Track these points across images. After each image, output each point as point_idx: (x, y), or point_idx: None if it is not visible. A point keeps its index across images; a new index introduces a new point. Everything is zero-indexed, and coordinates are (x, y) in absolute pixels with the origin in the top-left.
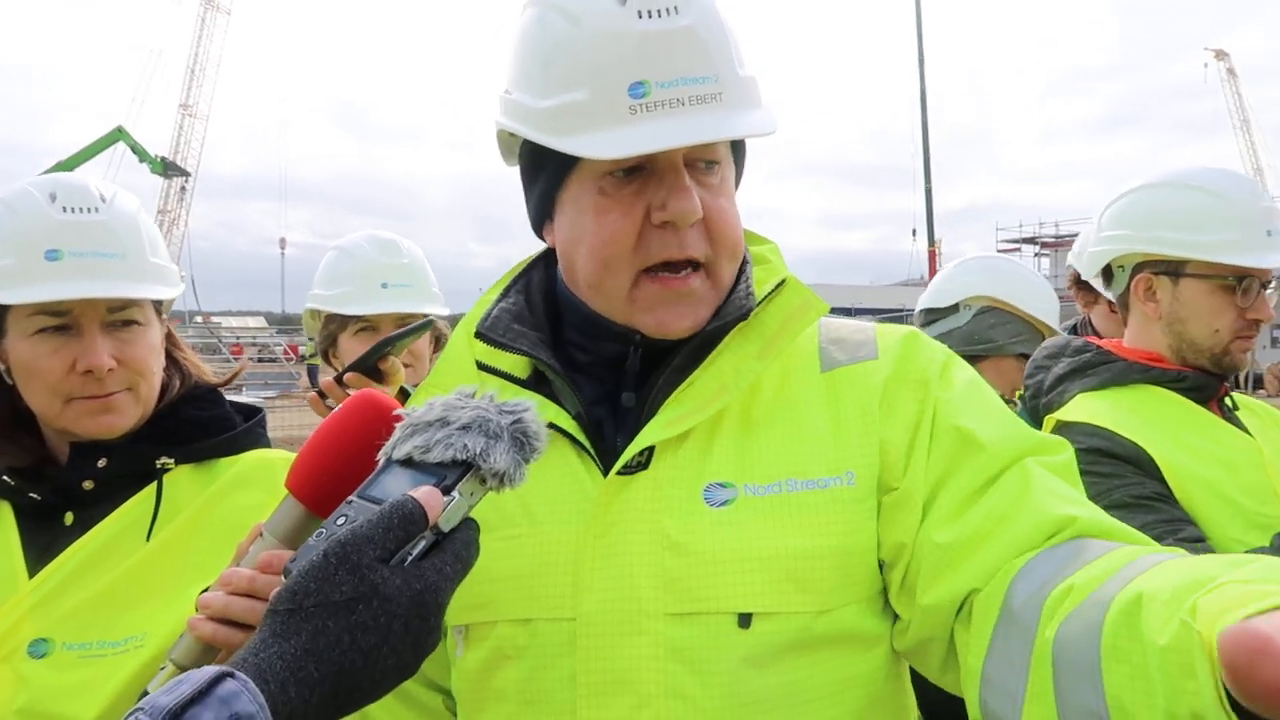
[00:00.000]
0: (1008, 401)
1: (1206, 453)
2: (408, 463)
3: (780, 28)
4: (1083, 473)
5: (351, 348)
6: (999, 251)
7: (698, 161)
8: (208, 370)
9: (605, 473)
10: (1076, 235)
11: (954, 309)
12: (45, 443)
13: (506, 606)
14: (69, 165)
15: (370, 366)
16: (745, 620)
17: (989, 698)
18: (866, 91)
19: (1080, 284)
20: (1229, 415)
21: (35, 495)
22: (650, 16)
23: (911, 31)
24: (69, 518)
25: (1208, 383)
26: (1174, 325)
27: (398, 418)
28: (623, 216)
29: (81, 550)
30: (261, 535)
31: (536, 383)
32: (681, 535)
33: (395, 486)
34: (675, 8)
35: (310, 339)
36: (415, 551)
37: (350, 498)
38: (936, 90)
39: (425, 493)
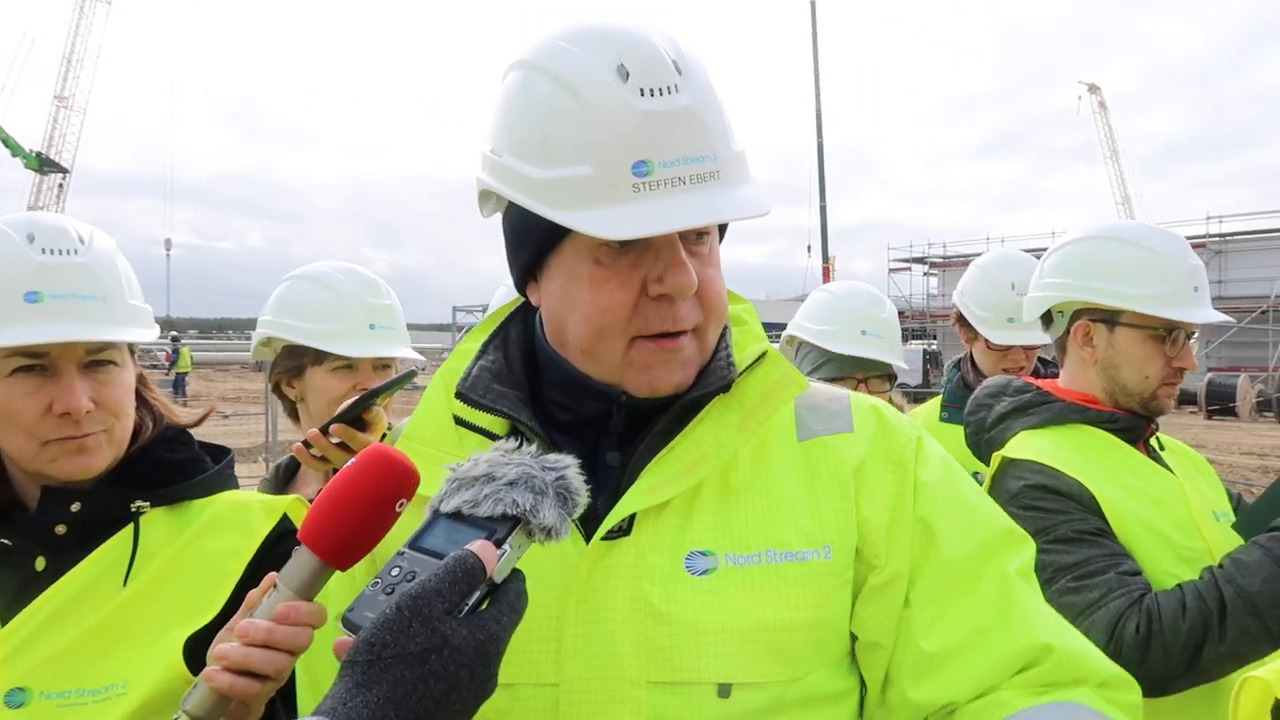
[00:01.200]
0: None
1: (1139, 490)
2: (456, 516)
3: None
4: (1029, 507)
5: (324, 384)
6: (891, 271)
7: (690, 233)
8: (177, 411)
9: (587, 536)
10: (964, 256)
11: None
12: (12, 486)
13: None
14: None
15: (355, 417)
16: (725, 690)
17: None
18: (762, 107)
19: (961, 321)
20: (1155, 455)
21: (5, 540)
22: (652, 95)
23: (807, 50)
24: (40, 563)
25: (1137, 424)
26: (1108, 370)
27: (410, 470)
28: (619, 288)
29: (56, 596)
30: (275, 586)
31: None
32: (664, 604)
33: (448, 539)
34: (675, 86)
35: (258, 363)
36: (472, 602)
37: (402, 549)
38: (830, 110)
39: (481, 546)
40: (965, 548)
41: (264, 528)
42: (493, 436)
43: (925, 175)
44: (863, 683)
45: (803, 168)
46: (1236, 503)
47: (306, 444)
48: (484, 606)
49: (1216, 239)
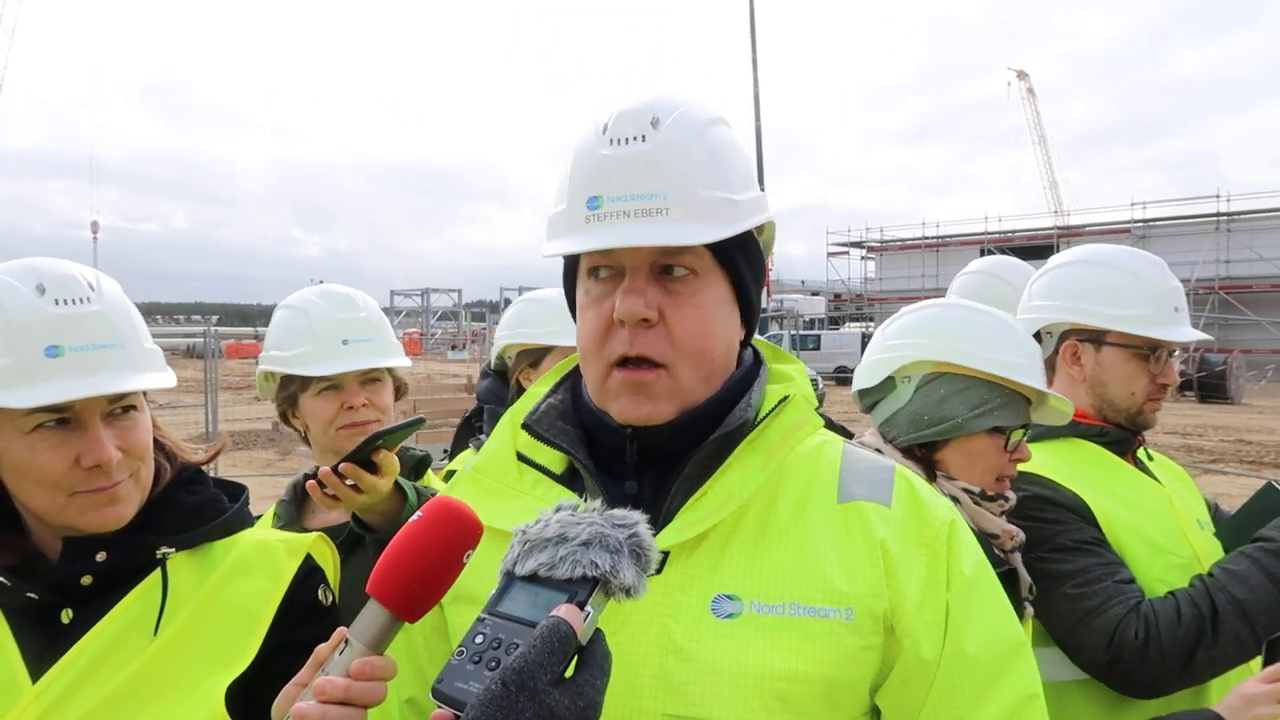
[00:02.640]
0: (991, 498)
1: (1130, 500)
2: (533, 579)
3: (615, 26)
4: (1028, 518)
5: (315, 408)
6: (829, 255)
7: (670, 268)
8: (187, 448)
9: None
10: (901, 240)
11: (889, 384)
12: (30, 538)
13: None
14: None
15: (364, 459)
16: None
17: None
18: (698, 90)
19: None
20: (1143, 467)
21: (33, 595)
22: (617, 144)
23: (739, 32)
24: (67, 615)
25: (1125, 437)
26: (1096, 387)
27: (475, 522)
28: (595, 315)
29: (87, 649)
30: (347, 641)
31: (570, 478)
32: (686, 642)
33: (531, 604)
34: (642, 136)
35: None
36: (563, 668)
37: (482, 615)
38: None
39: (569, 612)
40: (989, 651)
41: (290, 569)
42: (550, 474)
43: (856, 160)
44: None
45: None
46: (1214, 510)
47: (320, 482)
48: (571, 669)
49: (1140, 224)
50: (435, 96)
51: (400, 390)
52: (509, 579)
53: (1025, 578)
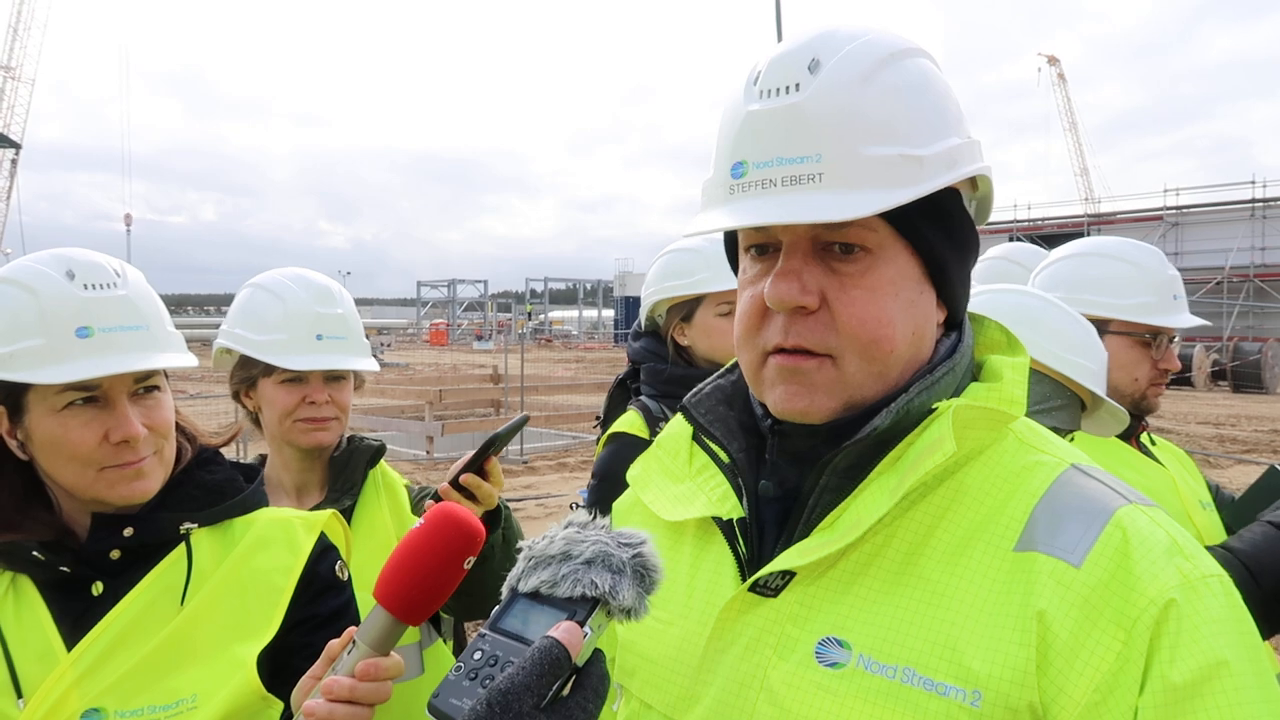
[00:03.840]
0: None
1: (1135, 483)
2: (535, 596)
3: (645, 18)
4: None
5: (274, 395)
6: None
7: (833, 244)
8: (205, 431)
9: (744, 572)
10: None
11: None
12: (60, 515)
13: (640, 685)
14: None
15: (479, 467)
16: None
17: None
18: (723, 79)
19: None
20: (1147, 451)
21: (65, 569)
22: (765, 96)
23: (764, 24)
24: (98, 587)
25: (1129, 423)
26: None
27: (477, 530)
28: (748, 298)
29: (118, 619)
30: (354, 643)
31: (734, 467)
32: (782, 688)
33: (527, 620)
34: (795, 85)
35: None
36: (554, 689)
37: (483, 630)
38: None
39: (566, 631)
40: None
41: (307, 544)
42: (718, 461)
43: None
44: None
45: None
46: (1215, 492)
47: (437, 497)
48: (567, 690)
49: (1174, 211)
50: (457, 85)
51: (359, 385)
52: (512, 595)
53: None
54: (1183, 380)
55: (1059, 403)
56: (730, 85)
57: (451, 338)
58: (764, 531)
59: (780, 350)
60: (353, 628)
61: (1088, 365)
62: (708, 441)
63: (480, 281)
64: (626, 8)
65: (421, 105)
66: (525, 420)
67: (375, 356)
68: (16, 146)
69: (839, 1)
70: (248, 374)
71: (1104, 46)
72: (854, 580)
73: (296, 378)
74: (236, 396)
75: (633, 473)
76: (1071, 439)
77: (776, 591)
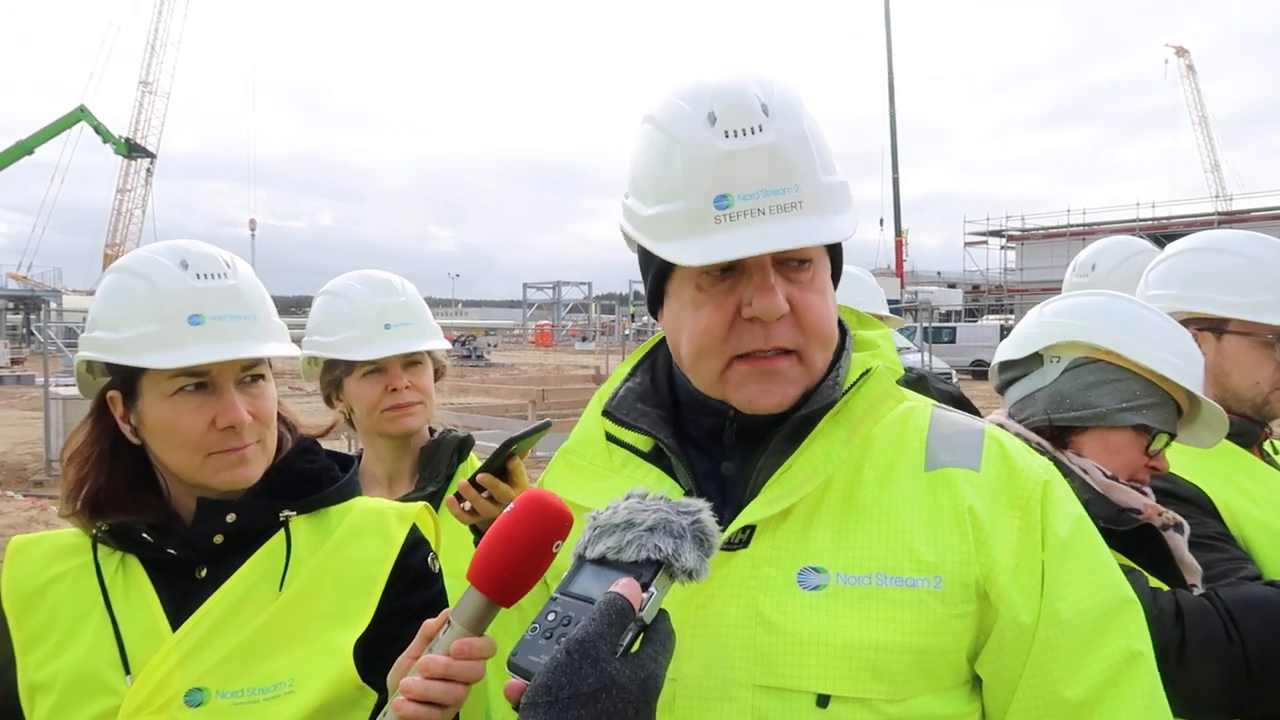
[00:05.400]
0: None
1: (1257, 494)
2: (601, 561)
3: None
4: None
5: (360, 391)
6: (966, 245)
7: (789, 260)
8: (304, 421)
9: None
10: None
11: (1035, 360)
12: (168, 500)
13: None
14: (29, 145)
15: (500, 467)
16: (824, 700)
17: None
18: (820, 79)
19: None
20: (1269, 459)
21: (172, 551)
22: (735, 136)
23: (868, 18)
24: (202, 571)
25: (1250, 429)
26: (1219, 377)
27: (565, 514)
28: (715, 311)
29: (221, 602)
30: (449, 623)
31: (657, 456)
32: (774, 615)
33: (595, 583)
34: (760, 126)
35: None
36: (627, 642)
37: (555, 594)
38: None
39: (626, 584)
40: (1088, 612)
41: (400, 535)
42: (638, 452)
43: (987, 146)
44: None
45: (865, 139)
46: None
47: (458, 496)
48: (637, 646)
49: None
50: (557, 91)
51: (439, 372)
52: (580, 561)
53: (1191, 563)
54: None
55: (1150, 400)
56: (667, 119)
57: (555, 339)
58: (711, 500)
59: (755, 354)
60: (447, 610)
61: (1183, 365)
62: (624, 438)
63: (584, 284)
64: (726, 9)
65: (523, 111)
66: (547, 426)
67: (481, 356)
68: (152, 156)
69: (946, 6)
70: (332, 376)
71: (1231, 36)
72: (809, 522)
73: (376, 369)
74: (329, 401)
75: (553, 478)
76: (1166, 444)
77: (744, 544)
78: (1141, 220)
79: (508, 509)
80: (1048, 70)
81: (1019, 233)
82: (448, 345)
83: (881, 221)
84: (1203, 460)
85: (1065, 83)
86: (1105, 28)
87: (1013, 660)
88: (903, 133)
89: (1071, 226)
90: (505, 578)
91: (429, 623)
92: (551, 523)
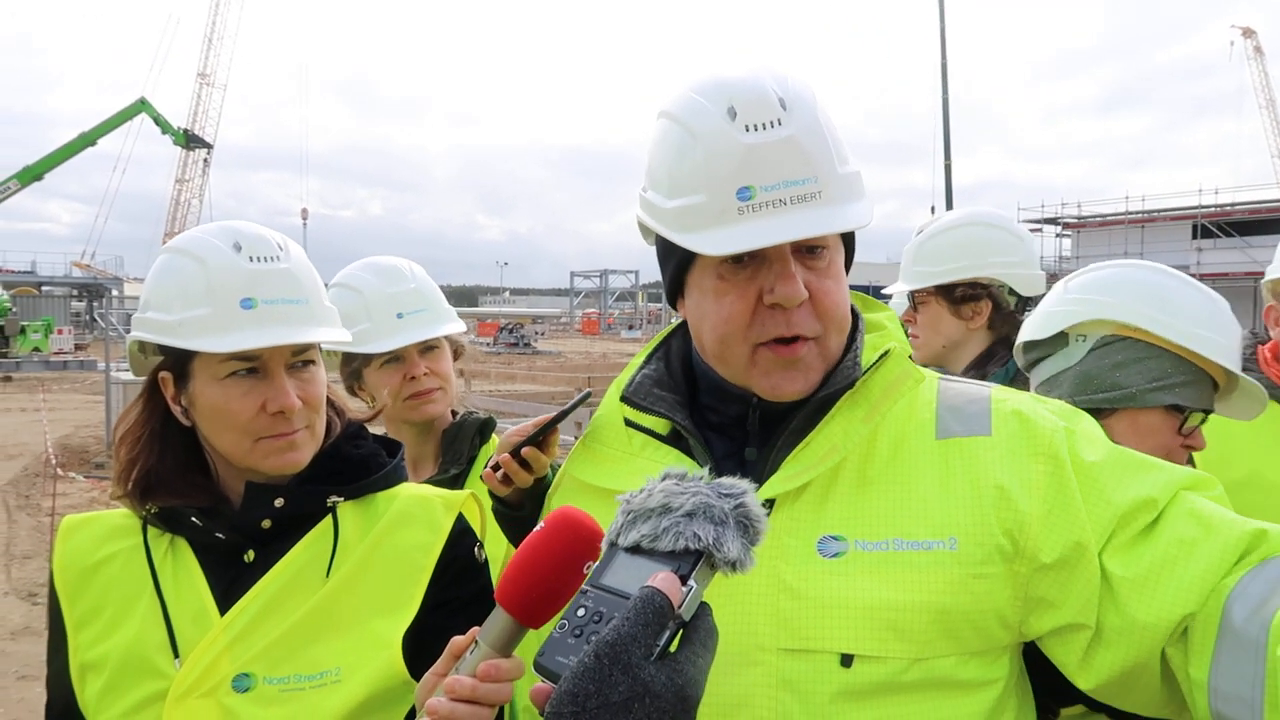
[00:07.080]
0: None
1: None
2: (636, 550)
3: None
4: None
5: (380, 380)
6: None
7: (807, 248)
8: (351, 406)
9: None
10: (1101, 216)
11: (1060, 339)
12: (217, 484)
13: None
14: (92, 137)
15: (543, 439)
16: (847, 660)
17: (1221, 707)
18: (865, 68)
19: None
20: None
21: (220, 535)
22: (756, 130)
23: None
24: (249, 555)
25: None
26: None
27: (595, 533)
28: (738, 299)
29: (268, 588)
30: (477, 643)
31: (675, 439)
32: (796, 581)
33: (629, 575)
34: (779, 120)
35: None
36: (663, 642)
37: (585, 587)
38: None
39: (665, 580)
40: (1142, 493)
41: (447, 524)
42: (657, 436)
43: (1040, 132)
44: (1009, 678)
45: (913, 126)
46: None
47: (496, 466)
48: (675, 645)
49: None
50: (602, 80)
51: (458, 353)
52: (612, 550)
53: None
54: None
55: (1181, 379)
56: (684, 115)
57: (602, 326)
58: None
59: (779, 340)
60: (475, 628)
61: (1217, 339)
62: (642, 422)
63: (631, 272)
64: (726, 9)
65: (569, 101)
66: (588, 396)
67: (529, 344)
68: (209, 147)
69: None
70: (352, 368)
71: None
72: (826, 494)
73: (393, 358)
74: (351, 391)
75: (575, 462)
76: (1202, 421)
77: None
78: (1204, 207)
79: (538, 528)
80: (1103, 54)
81: (1075, 220)
82: (463, 327)
83: (933, 209)
84: (1252, 437)
85: (1122, 67)
86: (1162, 11)
87: (1082, 579)
88: (954, 119)
89: (1130, 214)
90: (534, 599)
91: (456, 640)
92: (582, 542)
